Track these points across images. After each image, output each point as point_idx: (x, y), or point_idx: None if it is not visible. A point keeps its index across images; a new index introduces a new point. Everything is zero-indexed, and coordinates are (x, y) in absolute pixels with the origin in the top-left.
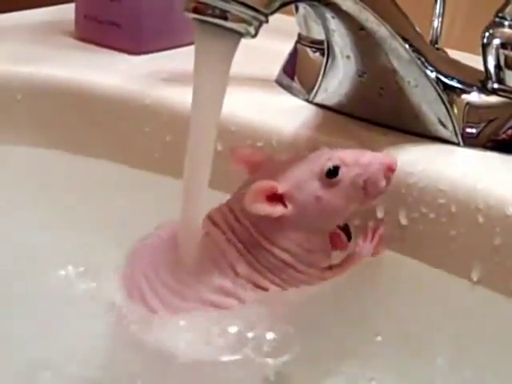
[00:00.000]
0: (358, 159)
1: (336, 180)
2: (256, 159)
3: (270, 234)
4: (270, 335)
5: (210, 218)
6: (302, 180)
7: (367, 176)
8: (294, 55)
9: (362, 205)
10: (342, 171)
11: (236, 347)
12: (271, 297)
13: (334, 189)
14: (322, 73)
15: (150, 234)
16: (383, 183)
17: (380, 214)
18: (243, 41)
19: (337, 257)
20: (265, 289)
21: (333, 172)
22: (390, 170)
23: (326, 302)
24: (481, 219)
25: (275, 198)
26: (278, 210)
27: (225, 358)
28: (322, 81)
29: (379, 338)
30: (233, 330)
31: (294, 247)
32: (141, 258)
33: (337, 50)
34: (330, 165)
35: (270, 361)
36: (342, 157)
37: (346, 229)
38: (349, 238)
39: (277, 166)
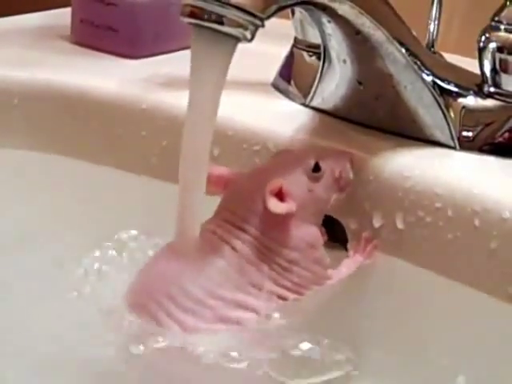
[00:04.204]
0: (331, 154)
1: (320, 174)
2: (229, 176)
3: (277, 236)
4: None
5: (212, 232)
6: (294, 178)
7: (341, 168)
8: (290, 59)
9: (338, 194)
10: (322, 165)
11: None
12: (287, 306)
13: (321, 181)
14: (318, 77)
15: (157, 252)
16: (351, 174)
17: (377, 218)
18: (239, 45)
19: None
20: (280, 296)
21: (316, 167)
22: (352, 162)
23: (325, 307)
24: (477, 223)
25: (279, 196)
26: (292, 205)
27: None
28: (318, 85)
29: (376, 341)
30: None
31: (299, 243)
32: (150, 279)
33: (333, 54)
34: (312, 162)
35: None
36: (320, 153)
37: (342, 233)
38: (345, 242)
39: (262, 172)
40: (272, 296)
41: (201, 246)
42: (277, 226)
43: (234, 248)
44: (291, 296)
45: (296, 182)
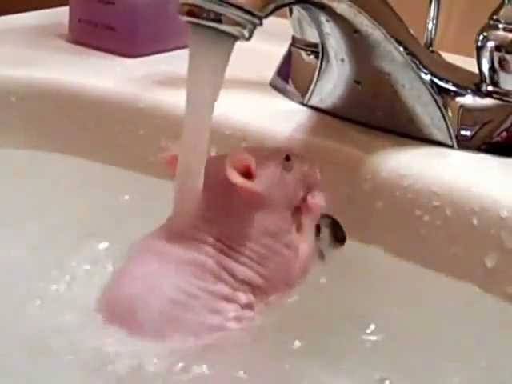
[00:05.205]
0: (298, 154)
1: (291, 163)
2: None
3: (242, 228)
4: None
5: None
6: (267, 161)
7: (308, 165)
8: (288, 58)
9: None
10: (292, 158)
11: None
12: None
13: (292, 171)
14: (316, 76)
15: (130, 255)
16: (319, 175)
17: (374, 217)
18: (237, 43)
19: None
20: (258, 287)
21: (287, 158)
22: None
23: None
24: (475, 222)
25: (247, 174)
26: (251, 185)
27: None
28: (316, 84)
29: (374, 339)
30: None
31: (265, 234)
32: (125, 286)
33: (331, 52)
34: (284, 153)
35: None
36: (290, 150)
37: (338, 228)
38: (343, 238)
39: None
40: (251, 288)
41: (171, 246)
42: (242, 218)
43: (205, 243)
44: (265, 283)
45: (269, 164)
